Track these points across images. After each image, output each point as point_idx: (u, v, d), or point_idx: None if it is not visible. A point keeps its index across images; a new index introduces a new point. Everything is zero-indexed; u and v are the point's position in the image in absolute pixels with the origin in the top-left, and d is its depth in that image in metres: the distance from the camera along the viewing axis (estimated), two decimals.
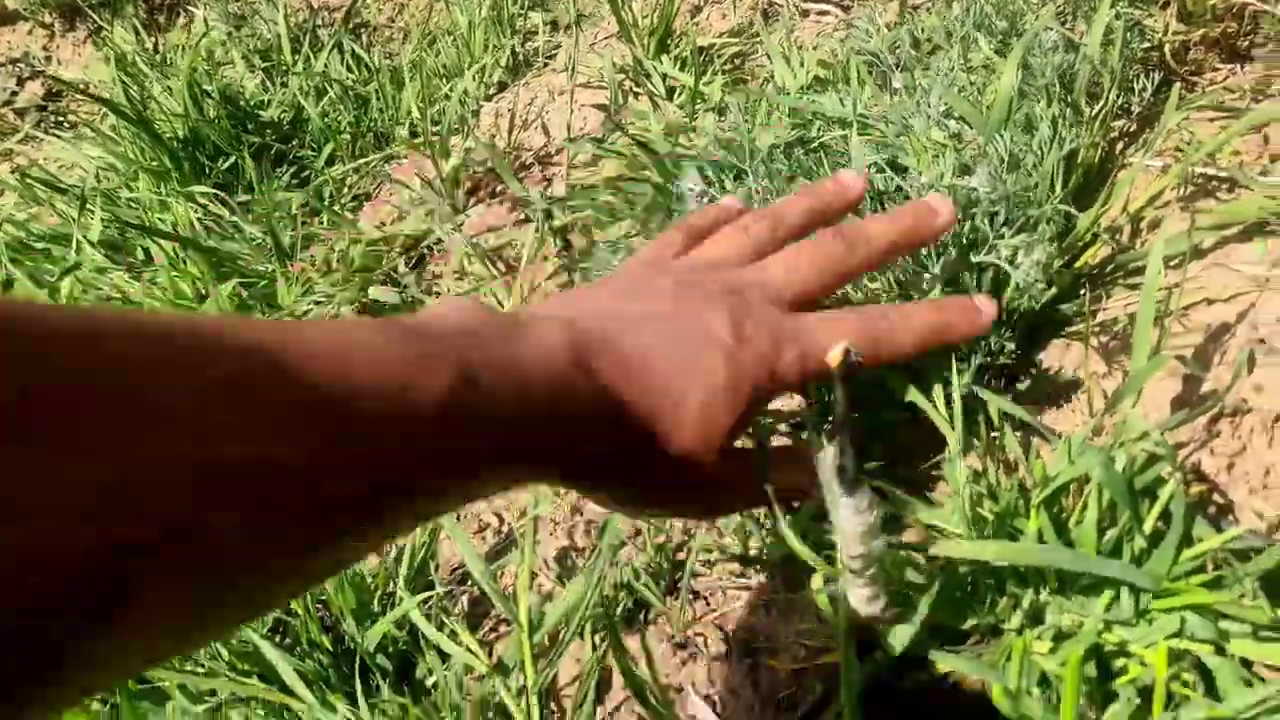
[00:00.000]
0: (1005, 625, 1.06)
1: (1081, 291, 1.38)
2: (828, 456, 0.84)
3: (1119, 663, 1.00)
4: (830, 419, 0.94)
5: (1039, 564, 1.04)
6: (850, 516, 0.88)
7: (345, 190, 2.22)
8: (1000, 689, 0.92)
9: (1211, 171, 1.45)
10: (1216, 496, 1.13)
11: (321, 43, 2.75)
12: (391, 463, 0.49)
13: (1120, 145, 1.57)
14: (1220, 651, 0.97)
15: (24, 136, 2.96)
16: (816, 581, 1.09)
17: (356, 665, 1.27)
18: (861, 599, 0.96)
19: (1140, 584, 0.98)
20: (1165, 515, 1.06)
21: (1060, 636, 1.05)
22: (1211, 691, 0.97)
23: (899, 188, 1.47)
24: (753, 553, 1.30)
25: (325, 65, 2.60)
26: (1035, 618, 1.06)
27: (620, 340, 0.68)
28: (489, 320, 0.63)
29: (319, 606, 1.39)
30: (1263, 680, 0.92)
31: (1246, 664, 0.98)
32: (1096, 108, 1.54)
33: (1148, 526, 1.03)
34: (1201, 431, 1.18)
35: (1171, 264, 1.39)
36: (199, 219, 2.06)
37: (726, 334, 0.73)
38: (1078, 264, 1.38)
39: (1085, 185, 1.48)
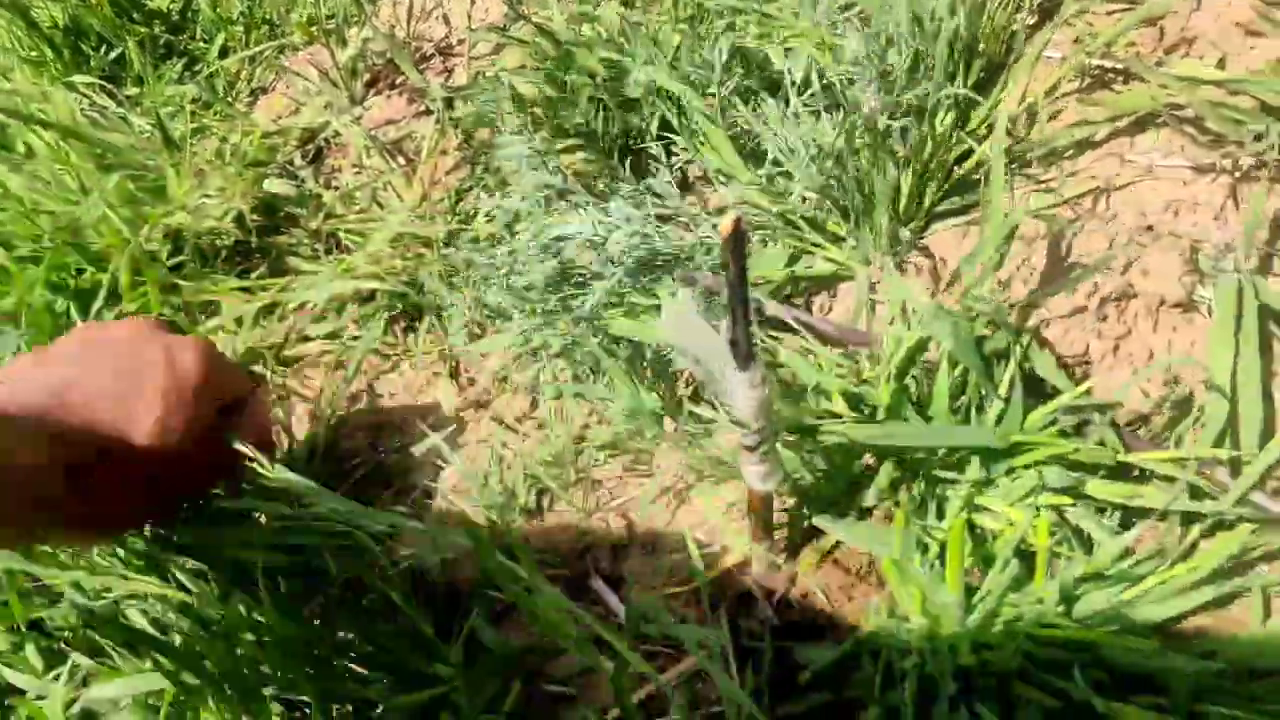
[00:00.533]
0: (886, 501, 1.09)
1: (976, 179, 1.40)
2: (721, 330, 0.84)
3: (992, 526, 1.04)
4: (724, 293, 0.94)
5: (889, 440, 1.07)
6: (745, 391, 0.89)
7: (240, 83, 2.14)
8: (888, 561, 0.95)
9: (1108, 63, 1.46)
10: (1098, 376, 1.16)
11: None
12: None
13: (1023, 39, 1.57)
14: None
15: None
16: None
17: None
18: (757, 475, 0.98)
19: (990, 444, 1.02)
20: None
21: (932, 503, 1.08)
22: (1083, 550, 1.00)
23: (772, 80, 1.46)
24: (647, 443, 1.30)
25: None
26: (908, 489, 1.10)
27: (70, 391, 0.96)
28: None
29: None
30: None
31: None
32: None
33: (1002, 390, 1.06)
34: (1090, 316, 1.21)
35: (1067, 154, 1.41)
36: (83, 110, 1.97)
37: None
38: (975, 155, 1.39)
39: (987, 78, 1.49)
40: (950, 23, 1.38)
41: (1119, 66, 1.44)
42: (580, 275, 1.37)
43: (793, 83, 1.41)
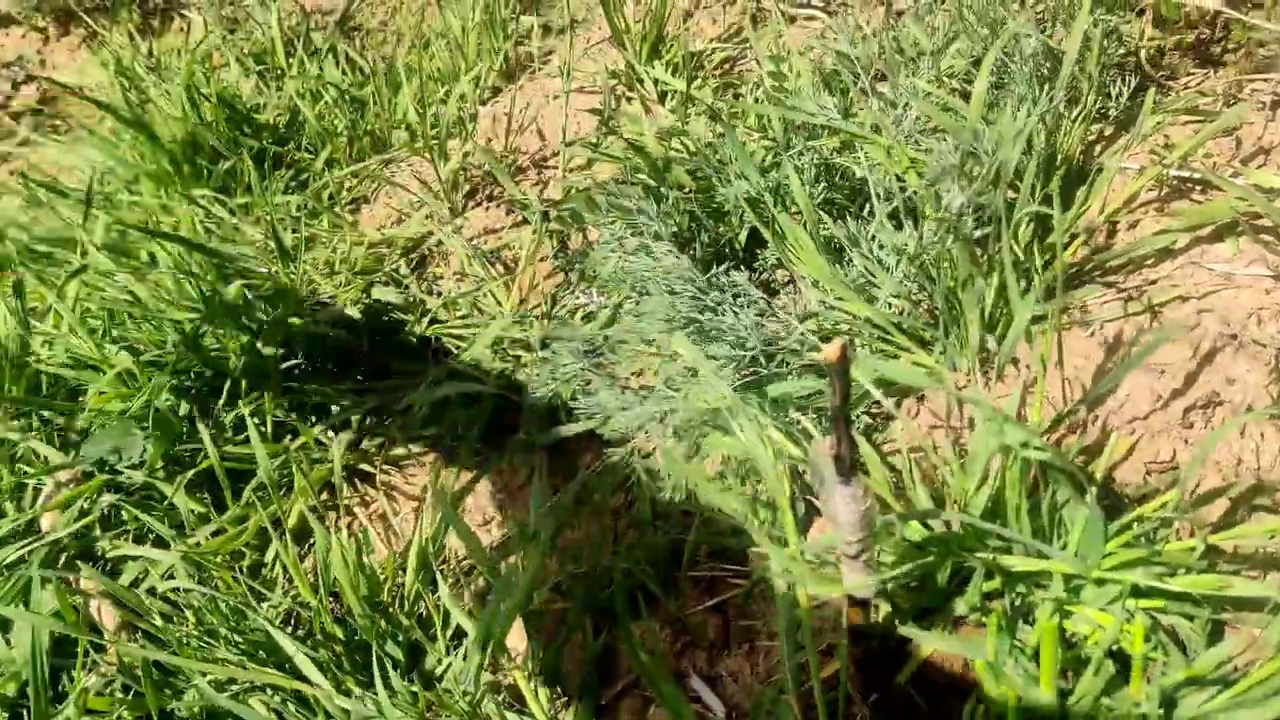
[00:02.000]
0: (976, 613, 1.12)
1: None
2: (824, 446, 0.90)
3: (1083, 630, 1.06)
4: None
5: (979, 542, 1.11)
6: (847, 504, 0.94)
7: (343, 193, 2.27)
8: (982, 664, 0.98)
9: (1185, 174, 1.51)
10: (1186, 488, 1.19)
11: (315, 46, 2.79)
12: None
13: (1099, 148, 1.62)
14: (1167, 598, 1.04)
15: (21, 140, 2.99)
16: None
17: (365, 654, 1.32)
18: (858, 581, 1.02)
19: (1077, 570, 1.05)
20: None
21: (1023, 613, 1.11)
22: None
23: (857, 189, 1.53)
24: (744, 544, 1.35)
25: (320, 68, 2.64)
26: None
27: None
28: None
29: (331, 599, 1.44)
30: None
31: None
32: (1076, 111, 1.60)
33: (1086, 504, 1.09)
34: (1177, 423, 1.24)
35: (1147, 263, 1.45)
36: (200, 221, 2.10)
37: None
38: (1056, 263, 1.43)
39: (1065, 187, 1.54)
40: (1030, 133, 1.44)
41: (1196, 177, 1.49)
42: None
43: (878, 195, 1.47)
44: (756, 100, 1.79)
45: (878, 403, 1.47)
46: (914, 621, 1.15)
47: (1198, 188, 1.50)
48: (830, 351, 0.81)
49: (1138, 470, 1.24)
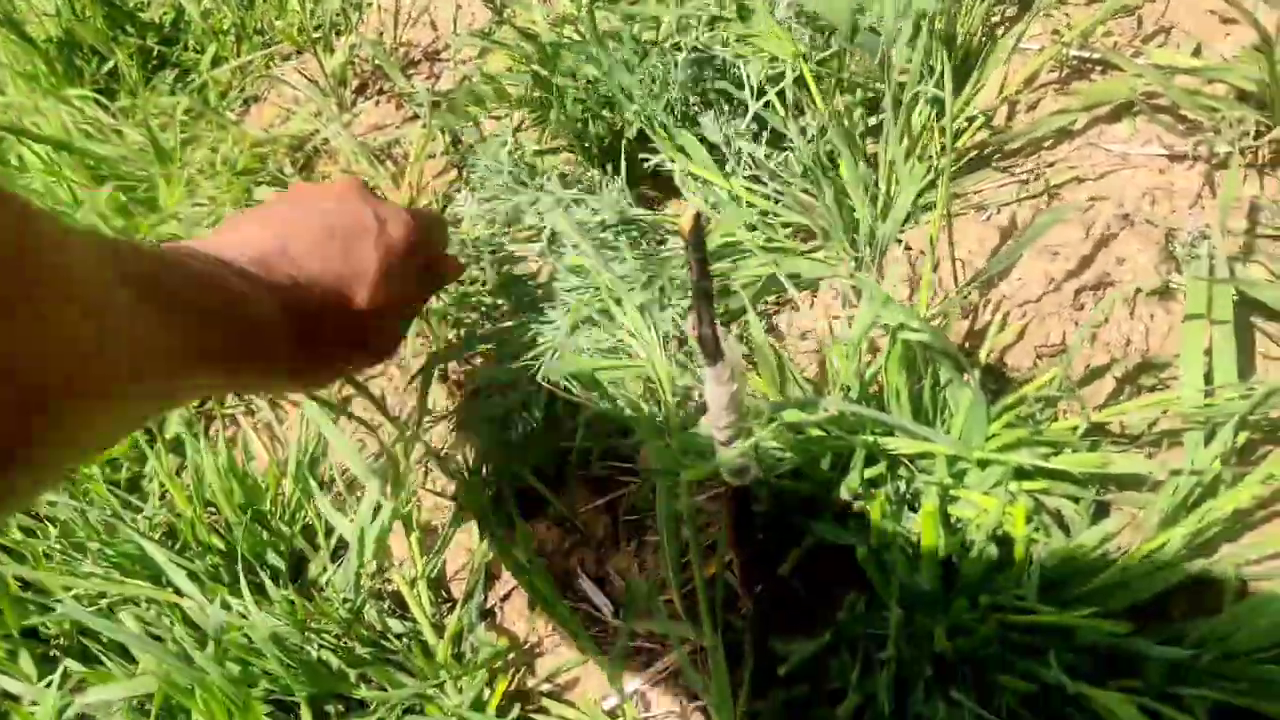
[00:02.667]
0: (862, 501, 1.10)
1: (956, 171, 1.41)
2: (688, 325, 0.85)
3: (969, 515, 1.04)
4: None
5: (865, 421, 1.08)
6: (715, 387, 0.90)
7: (232, 93, 2.16)
8: (863, 551, 0.96)
9: (1086, 54, 1.47)
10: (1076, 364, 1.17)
11: None
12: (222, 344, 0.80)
13: (1002, 30, 1.57)
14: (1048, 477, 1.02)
15: None
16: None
17: (241, 564, 1.27)
18: (731, 469, 0.99)
19: (955, 451, 1.03)
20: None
21: (908, 499, 1.09)
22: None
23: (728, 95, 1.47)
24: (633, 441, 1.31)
25: None
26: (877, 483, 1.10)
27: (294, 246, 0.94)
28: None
29: (209, 510, 1.38)
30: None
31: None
32: None
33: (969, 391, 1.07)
34: (1068, 305, 1.22)
35: (1045, 145, 1.42)
36: (76, 124, 1.99)
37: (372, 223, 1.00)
38: (956, 144, 1.39)
39: (965, 68, 1.49)
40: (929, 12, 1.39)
41: (1097, 57, 1.45)
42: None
43: (752, 89, 1.42)
44: None
45: (774, 299, 1.43)
46: (799, 514, 1.12)
47: (1098, 68, 1.46)
48: (684, 222, 0.76)
49: (1028, 354, 1.21)
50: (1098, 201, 1.29)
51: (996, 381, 1.16)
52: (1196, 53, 1.40)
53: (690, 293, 0.81)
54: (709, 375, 0.88)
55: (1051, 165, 1.38)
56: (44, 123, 1.91)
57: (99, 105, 2.06)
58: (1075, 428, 1.04)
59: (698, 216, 0.75)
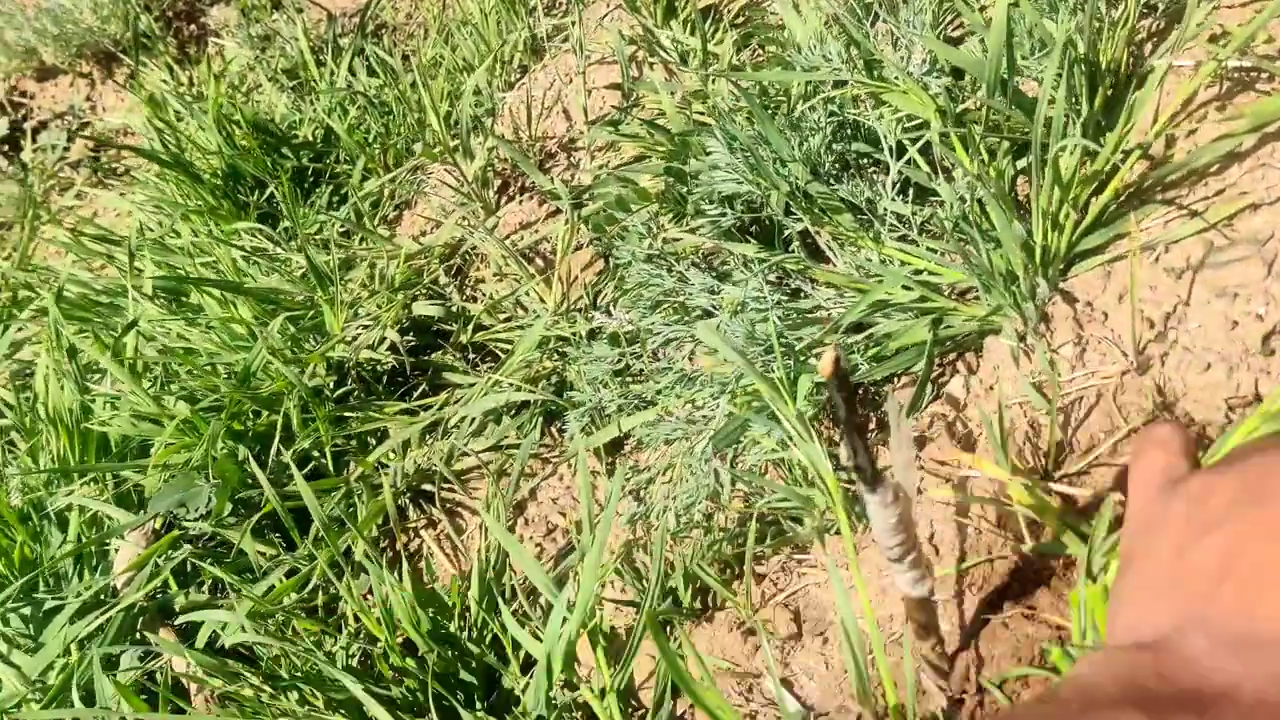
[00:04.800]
0: None
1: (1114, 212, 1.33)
2: (842, 455, 0.83)
3: None
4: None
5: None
6: (878, 511, 0.87)
7: (384, 201, 2.24)
8: (1058, 651, 0.91)
9: (1248, 64, 1.37)
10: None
11: (343, 52, 2.76)
12: None
13: (1149, 49, 1.49)
14: None
15: (77, 192, 3.04)
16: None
17: (431, 690, 1.30)
18: (907, 582, 0.95)
19: None
20: None
21: None
22: None
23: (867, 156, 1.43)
24: (807, 530, 1.29)
25: (348, 77, 2.61)
26: None
27: None
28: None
29: (399, 634, 1.42)
30: None
31: None
32: (1119, 11, 1.47)
33: None
34: (1256, 352, 1.13)
35: (1212, 171, 1.33)
36: (244, 255, 2.09)
37: None
38: (1111, 185, 1.32)
39: (1115, 97, 1.42)
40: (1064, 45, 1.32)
41: (1261, 67, 1.35)
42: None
43: (890, 148, 1.38)
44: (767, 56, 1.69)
45: (938, 362, 1.39)
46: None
47: (1263, 77, 1.37)
48: (824, 365, 0.74)
49: (1218, 408, 1.13)
50: (1277, 230, 1.19)
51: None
52: None
53: (840, 426, 0.78)
54: (871, 501, 0.86)
55: (1221, 193, 1.29)
56: (215, 263, 2.02)
57: (263, 234, 2.17)
58: None
59: (838, 360, 0.73)
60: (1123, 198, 1.35)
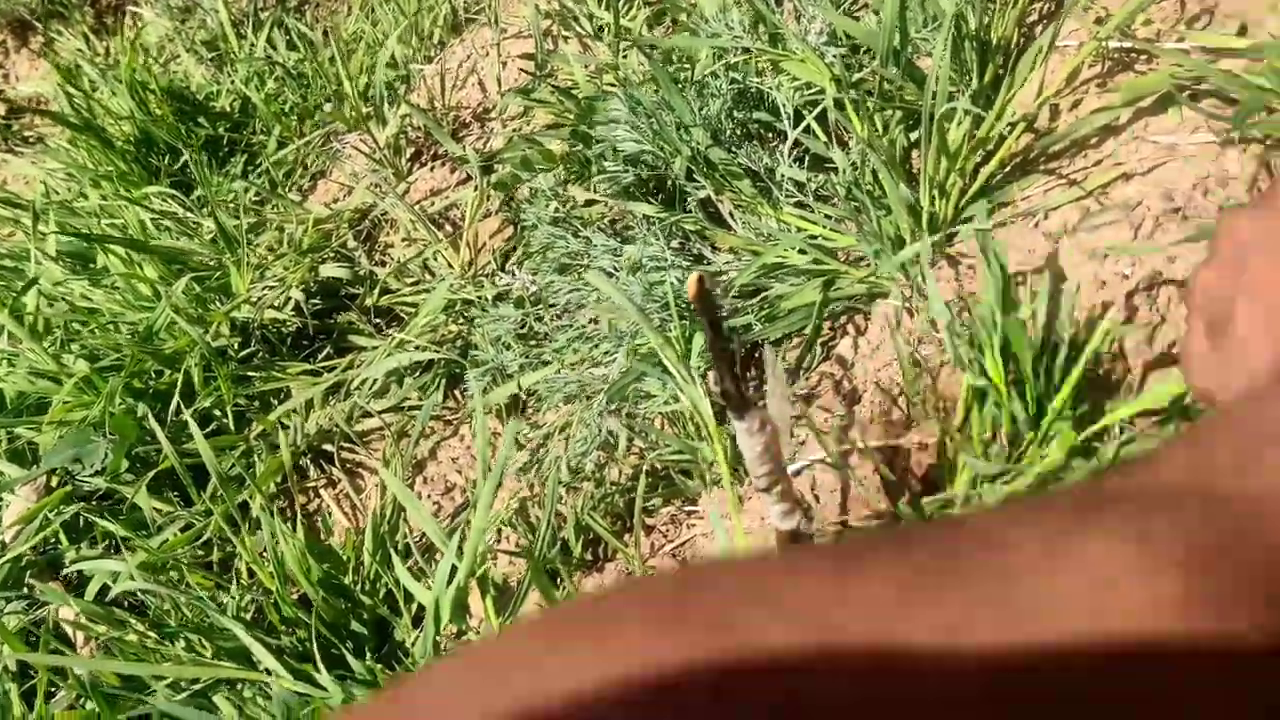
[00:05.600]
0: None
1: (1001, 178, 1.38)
2: (697, 393, 0.85)
3: None
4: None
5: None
6: (745, 439, 0.89)
7: (298, 171, 2.23)
8: None
9: (1127, 44, 1.43)
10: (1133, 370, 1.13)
11: (264, 23, 2.74)
12: None
13: (1040, 28, 1.54)
14: None
15: None
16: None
17: (318, 639, 1.31)
18: (777, 514, 0.98)
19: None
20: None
21: None
22: None
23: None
24: (695, 483, 1.31)
25: (267, 48, 2.60)
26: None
27: None
28: None
29: (294, 586, 1.42)
30: None
31: None
32: None
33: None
34: (1122, 308, 1.18)
35: (1091, 143, 1.38)
36: (154, 220, 2.07)
37: None
38: (997, 155, 1.37)
39: (1010, 71, 1.47)
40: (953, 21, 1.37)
41: (1138, 47, 1.41)
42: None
43: (788, 116, 1.42)
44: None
45: (829, 325, 1.42)
46: None
47: (1142, 57, 1.42)
48: (689, 287, 0.76)
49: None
50: (1145, 198, 1.25)
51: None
52: (1242, 32, 1.35)
53: (708, 351, 0.81)
54: (739, 428, 0.88)
55: (1099, 164, 1.34)
56: (123, 224, 2.00)
57: (174, 199, 2.15)
58: None
59: (701, 281, 0.76)
60: (1009, 167, 1.40)
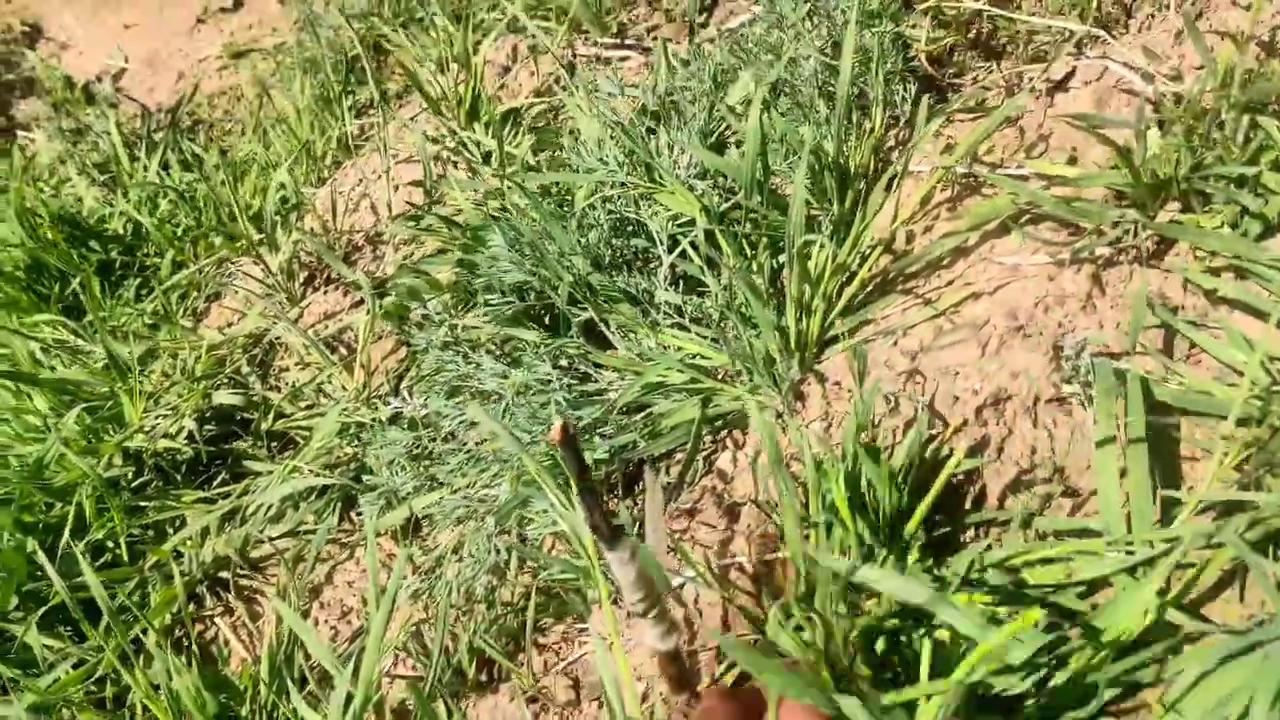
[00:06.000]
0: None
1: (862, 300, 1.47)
2: (578, 518, 0.91)
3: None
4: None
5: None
6: (619, 568, 0.95)
7: (192, 295, 2.25)
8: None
9: (974, 171, 1.54)
10: (987, 482, 1.22)
11: (156, 147, 2.77)
12: None
13: (896, 155, 1.66)
14: None
15: None
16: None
17: None
18: (654, 636, 1.03)
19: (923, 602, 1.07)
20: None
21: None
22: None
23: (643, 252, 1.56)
24: (585, 602, 1.36)
25: (160, 171, 2.63)
26: None
27: None
28: None
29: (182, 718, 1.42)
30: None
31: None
32: (870, 121, 1.63)
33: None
34: (973, 423, 1.27)
35: (944, 264, 1.48)
36: (44, 348, 2.07)
37: None
38: (858, 276, 1.46)
39: (865, 197, 1.57)
40: (812, 156, 1.47)
41: (984, 173, 1.53)
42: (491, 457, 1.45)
43: (663, 243, 1.50)
44: (562, 155, 1.81)
45: (709, 439, 1.49)
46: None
47: (988, 183, 1.54)
48: (553, 433, 0.82)
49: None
50: (991, 317, 1.35)
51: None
52: (1072, 162, 1.47)
53: (576, 489, 0.86)
54: (611, 558, 0.93)
55: (950, 283, 1.44)
56: (12, 354, 2.00)
57: (65, 327, 2.15)
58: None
59: (565, 427, 0.82)
60: (869, 288, 1.49)
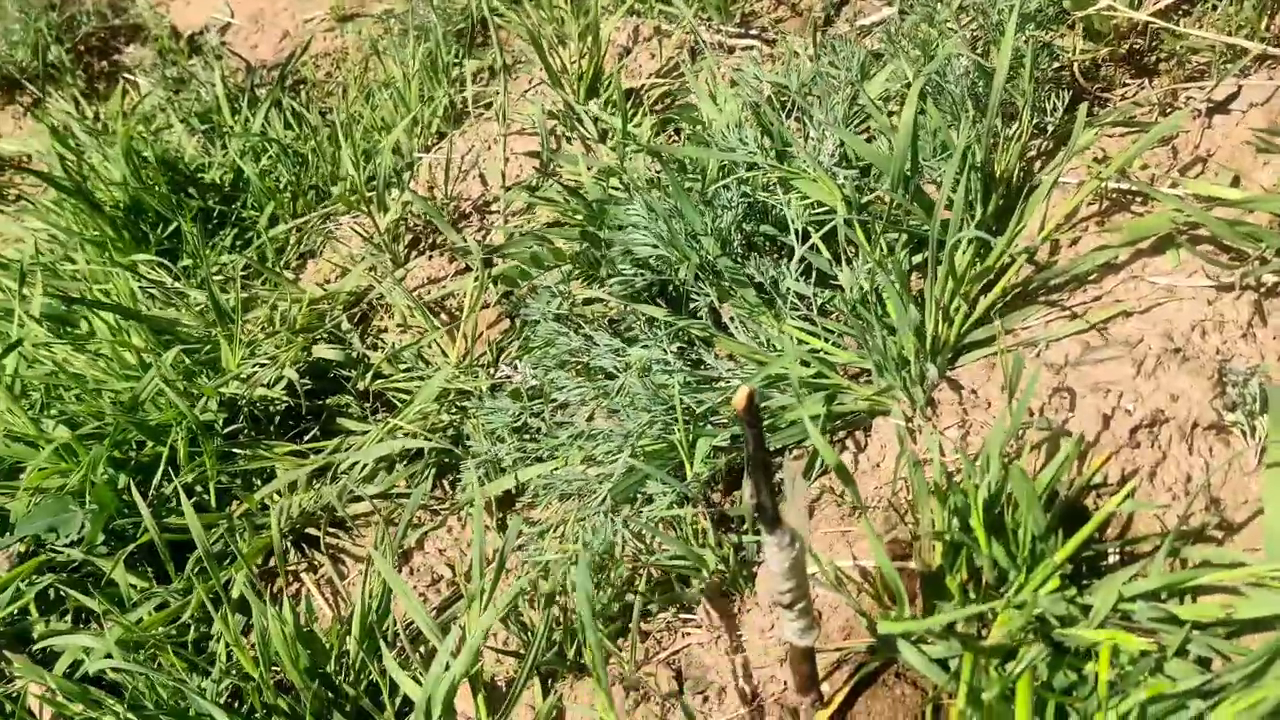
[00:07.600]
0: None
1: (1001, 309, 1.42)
2: (744, 496, 0.86)
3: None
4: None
5: None
6: (775, 553, 0.90)
7: (290, 249, 2.24)
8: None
9: (1125, 186, 1.49)
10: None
11: (260, 102, 2.76)
12: None
13: (1039, 164, 1.60)
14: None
15: None
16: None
17: None
18: (795, 630, 0.99)
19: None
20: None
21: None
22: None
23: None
24: (694, 591, 1.31)
25: (264, 125, 2.62)
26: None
27: None
28: None
29: (274, 670, 1.39)
30: None
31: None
32: (1014, 129, 1.58)
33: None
34: (1125, 444, 1.21)
35: (1090, 279, 1.43)
36: (142, 288, 2.06)
37: None
38: (999, 284, 1.41)
39: (1006, 205, 1.52)
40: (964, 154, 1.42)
41: (1135, 189, 1.47)
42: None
43: (796, 232, 1.45)
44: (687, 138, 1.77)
45: (829, 438, 1.44)
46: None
47: (1138, 199, 1.48)
48: (738, 400, 0.78)
49: (1088, 494, 1.20)
50: (1146, 336, 1.29)
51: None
52: (1235, 183, 1.41)
53: (748, 463, 0.82)
54: (769, 543, 0.89)
55: (1098, 299, 1.39)
56: (112, 289, 1.98)
57: (163, 268, 2.14)
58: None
59: (751, 396, 0.77)
60: (1009, 297, 1.44)
